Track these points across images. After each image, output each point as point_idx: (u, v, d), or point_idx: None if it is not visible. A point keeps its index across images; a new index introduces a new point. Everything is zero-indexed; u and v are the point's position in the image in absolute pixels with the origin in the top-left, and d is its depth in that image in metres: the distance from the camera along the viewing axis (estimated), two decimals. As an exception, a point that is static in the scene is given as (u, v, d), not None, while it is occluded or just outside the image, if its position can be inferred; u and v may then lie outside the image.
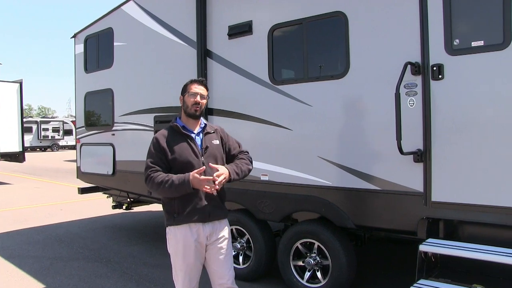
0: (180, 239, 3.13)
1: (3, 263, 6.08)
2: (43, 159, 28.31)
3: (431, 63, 3.59)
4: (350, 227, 4.23)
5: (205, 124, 3.32)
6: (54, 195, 12.54)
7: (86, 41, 7.48)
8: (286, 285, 4.69)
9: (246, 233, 5.06)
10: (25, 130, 18.37)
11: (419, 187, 3.70)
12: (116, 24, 6.82)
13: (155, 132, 6.05)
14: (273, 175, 4.71)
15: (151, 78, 6.21)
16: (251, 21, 4.91)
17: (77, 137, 7.82)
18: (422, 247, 3.54)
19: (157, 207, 8.93)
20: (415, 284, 3.43)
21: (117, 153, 6.81)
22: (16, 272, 5.70)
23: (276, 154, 4.68)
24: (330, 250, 4.31)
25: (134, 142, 6.50)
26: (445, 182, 3.56)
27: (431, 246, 3.53)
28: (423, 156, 3.64)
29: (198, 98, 3.20)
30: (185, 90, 3.27)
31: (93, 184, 7.71)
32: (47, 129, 38.85)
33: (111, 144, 6.89)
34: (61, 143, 40.21)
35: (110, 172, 6.89)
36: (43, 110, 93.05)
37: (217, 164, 3.17)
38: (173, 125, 3.24)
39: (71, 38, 7.88)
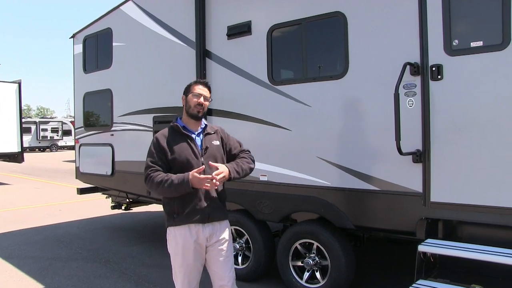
0: (179, 240, 3.12)
1: (2, 263, 6.08)
2: (42, 160, 28.28)
3: (430, 63, 3.59)
4: (349, 228, 4.23)
5: (206, 125, 3.31)
6: (53, 196, 12.53)
7: (85, 42, 7.47)
8: (285, 285, 4.69)
9: (245, 233, 5.06)
10: (24, 130, 18.33)
11: (418, 187, 3.70)
12: (115, 25, 6.82)
13: (154, 132, 6.05)
14: (272, 175, 4.71)
15: (150, 79, 6.20)
16: (250, 21, 4.91)
17: (76, 137, 7.81)
18: (421, 248, 3.54)
19: (156, 207, 8.92)
20: (414, 284, 3.43)
21: (116, 153, 6.81)
22: (15, 272, 5.69)
23: (275, 154, 4.68)
24: (329, 250, 4.31)
25: (133, 143, 6.49)
26: (444, 182, 3.56)
27: (430, 247, 3.53)
28: (422, 156, 3.64)
29: (201, 99, 3.20)
30: (188, 90, 3.27)
31: (92, 184, 7.71)
32: (46, 130, 38.79)
33: (110, 145, 6.88)
34: (60, 143, 40.16)
35: (109, 172, 6.88)
36: (42, 110, 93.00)
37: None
38: (173, 125, 3.24)
39: (69, 38, 7.87)
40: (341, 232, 4.39)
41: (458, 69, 3.47)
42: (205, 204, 3.12)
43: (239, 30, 4.99)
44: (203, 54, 5.35)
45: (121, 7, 6.67)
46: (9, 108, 16.05)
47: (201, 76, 5.31)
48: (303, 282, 4.53)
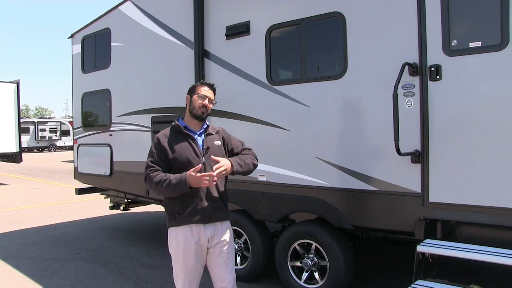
0: (180, 241, 3.11)
1: (1, 264, 6.06)
2: (40, 160, 28.25)
3: (429, 63, 3.59)
4: (347, 228, 4.23)
5: (208, 125, 3.31)
6: (51, 196, 12.51)
7: (83, 42, 7.47)
8: (284, 285, 4.68)
9: (244, 233, 5.06)
10: (22, 130, 18.32)
11: (416, 188, 3.70)
12: (113, 25, 6.81)
13: (153, 132, 6.05)
14: (270, 175, 4.71)
15: (148, 79, 6.20)
16: (249, 21, 4.91)
17: (75, 137, 7.81)
18: (420, 248, 3.54)
19: (154, 207, 8.92)
20: (412, 285, 3.43)
21: (114, 153, 6.80)
22: (14, 273, 5.68)
23: (273, 154, 4.67)
24: (328, 251, 4.31)
25: (131, 143, 6.49)
26: (443, 183, 3.56)
27: (429, 247, 3.53)
28: (420, 157, 3.64)
29: (206, 101, 3.20)
30: (193, 90, 3.27)
31: (91, 184, 7.70)
32: (44, 130, 38.76)
33: (109, 145, 6.88)
34: (59, 143, 40.14)
35: (108, 172, 6.87)
36: (40, 110, 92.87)
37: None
38: (175, 125, 3.24)
39: (68, 38, 7.86)
40: (339, 233, 4.38)
41: (457, 70, 3.47)
42: (207, 204, 3.11)
43: (238, 30, 4.99)
44: (201, 54, 5.35)
45: (119, 7, 6.66)
46: (8, 108, 16.02)
47: (200, 76, 5.31)
48: (301, 283, 4.53)
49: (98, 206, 10.18)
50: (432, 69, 3.56)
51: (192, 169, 2.92)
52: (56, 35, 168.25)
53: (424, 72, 3.61)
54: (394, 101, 3.55)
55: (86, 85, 7.42)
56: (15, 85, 16.25)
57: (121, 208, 7.71)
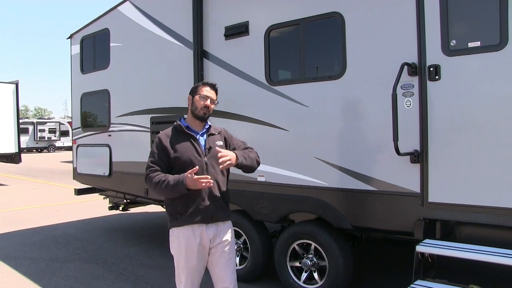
0: (182, 241, 3.10)
1: (0, 264, 6.07)
2: (39, 160, 28.23)
3: (428, 63, 3.59)
4: (347, 228, 4.23)
5: (210, 126, 3.31)
6: (50, 196, 12.50)
7: (82, 42, 7.46)
8: (283, 286, 4.68)
9: (243, 234, 5.05)
10: (21, 131, 18.30)
11: (416, 188, 3.70)
12: (112, 25, 6.80)
13: (152, 133, 6.05)
14: (269, 176, 4.70)
15: (147, 79, 6.19)
16: (248, 21, 4.90)
17: (74, 138, 7.80)
18: (419, 248, 3.54)
19: (153, 208, 8.91)
20: (412, 285, 3.42)
21: (113, 154, 6.80)
22: (12, 273, 5.67)
23: (272, 155, 4.67)
24: (327, 251, 4.31)
25: (130, 143, 6.48)
26: (442, 183, 3.56)
27: (428, 247, 3.53)
28: (420, 157, 3.64)
29: (208, 102, 3.20)
30: (195, 91, 3.26)
31: (90, 185, 7.69)
32: (43, 130, 38.72)
33: (108, 145, 6.87)
34: (58, 144, 40.08)
35: (107, 173, 6.87)
36: (40, 111, 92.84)
37: (220, 166, 3.16)
38: (176, 125, 3.24)
39: (67, 39, 7.85)
40: (338, 233, 4.38)
41: (456, 70, 3.47)
42: (208, 204, 3.10)
43: (237, 31, 4.99)
44: (200, 55, 5.35)
45: (118, 8, 6.66)
46: (7, 109, 16.00)
47: (199, 76, 5.31)
48: (301, 283, 4.53)
49: (97, 206, 10.17)
50: (431, 69, 3.56)
51: (189, 171, 2.91)
52: (55, 35, 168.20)
53: (423, 72, 3.61)
54: (393, 101, 3.55)
55: (85, 86, 7.41)
56: (14, 85, 16.23)
57: (120, 208, 7.70)
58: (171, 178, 2.98)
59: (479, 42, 3.37)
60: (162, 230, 8.07)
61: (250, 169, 3.26)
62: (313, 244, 4.45)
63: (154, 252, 6.52)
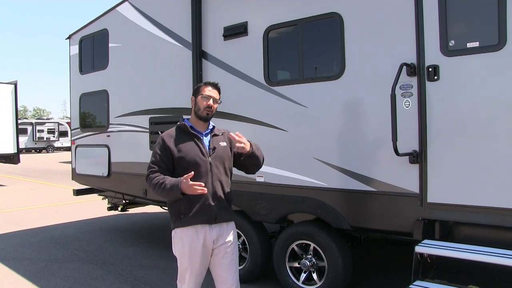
0: (186, 242, 3.08)
1: (-3, 265, 6.05)
2: (38, 161, 28.19)
3: (426, 64, 3.59)
4: (346, 229, 4.23)
5: (213, 126, 3.31)
6: (49, 197, 12.49)
7: (81, 42, 7.46)
8: (282, 286, 4.68)
9: (242, 234, 5.05)
10: (20, 131, 18.26)
11: (415, 188, 3.69)
12: (111, 25, 6.80)
13: (151, 133, 6.04)
14: (268, 176, 4.70)
15: (146, 80, 6.19)
16: (247, 22, 4.90)
17: (72, 138, 7.79)
18: (418, 248, 3.53)
19: (152, 208, 8.91)
20: (411, 285, 3.42)
21: (112, 154, 6.79)
22: (11, 274, 5.66)
23: (271, 155, 4.65)
24: (326, 251, 4.31)
25: (129, 144, 6.48)
26: (441, 183, 3.56)
27: (427, 247, 3.52)
28: (418, 157, 3.63)
29: (211, 101, 3.19)
30: (198, 91, 3.26)
31: (88, 185, 7.69)
32: (42, 131, 38.69)
33: (106, 146, 6.87)
34: (56, 144, 40.05)
35: (105, 173, 6.86)
36: (38, 111, 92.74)
37: (224, 167, 3.19)
38: (180, 125, 3.22)
39: (66, 39, 7.85)
40: (337, 233, 4.38)
41: (454, 70, 3.47)
42: (212, 204, 3.09)
43: (236, 31, 4.99)
44: (199, 55, 5.34)
45: (117, 8, 6.66)
46: (5, 109, 15.98)
47: (198, 77, 5.30)
48: (300, 283, 4.52)
49: (96, 207, 10.16)
50: (430, 69, 3.56)
51: (185, 176, 2.89)
52: (54, 35, 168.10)
53: (422, 72, 3.61)
54: (392, 102, 3.54)
55: (84, 86, 7.41)
56: (12, 86, 16.21)
57: (119, 209, 7.70)
58: (168, 181, 2.97)
59: (477, 43, 3.37)
60: (161, 230, 8.06)
61: (257, 162, 3.27)
62: (312, 245, 4.44)
63: (153, 253, 6.52)
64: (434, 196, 3.59)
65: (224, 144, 3.26)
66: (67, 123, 39.39)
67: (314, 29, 4.40)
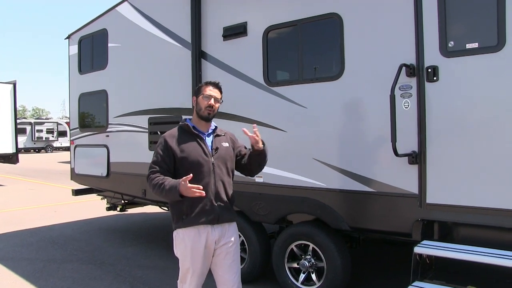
0: (188, 243, 3.07)
1: (-4, 265, 6.04)
2: (37, 161, 28.17)
3: (426, 65, 3.59)
4: (344, 229, 4.23)
5: (216, 127, 3.30)
6: (47, 197, 12.47)
7: (80, 42, 7.45)
8: (281, 287, 4.67)
9: (241, 235, 5.03)
10: (19, 131, 18.25)
11: (414, 189, 3.69)
12: (110, 25, 6.80)
13: (150, 133, 6.04)
14: (268, 177, 4.70)
15: (145, 80, 6.18)
16: (246, 22, 4.90)
17: (71, 138, 7.78)
18: (417, 249, 3.53)
19: (151, 209, 8.90)
20: (409, 286, 3.42)
21: (111, 154, 6.78)
22: (9, 274, 5.65)
23: (270, 156, 4.61)
24: (325, 252, 4.30)
25: (128, 144, 6.47)
26: (440, 184, 3.56)
27: (426, 248, 3.52)
28: (418, 158, 3.63)
29: (212, 101, 3.18)
30: (199, 91, 3.25)
31: (87, 185, 7.68)
32: (41, 131, 38.66)
33: (105, 146, 6.86)
34: (55, 144, 40.01)
35: (104, 173, 6.85)
36: (37, 111, 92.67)
37: (226, 166, 3.19)
38: (183, 125, 3.22)
39: (65, 39, 7.84)
40: (336, 234, 4.38)
41: (453, 71, 3.47)
42: (215, 205, 3.08)
43: (235, 31, 4.98)
44: (198, 55, 5.34)
45: (116, 8, 6.65)
46: (4, 109, 15.96)
47: (197, 77, 5.30)
48: (299, 284, 4.52)
49: (94, 207, 10.15)
50: (429, 70, 3.56)
51: (183, 178, 2.87)
52: (54, 35, 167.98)
53: (421, 73, 3.61)
54: (391, 102, 3.55)
55: (83, 86, 7.40)
56: (11, 85, 16.19)
57: (118, 209, 7.69)
58: (168, 182, 2.95)
59: (477, 44, 3.37)
60: (160, 231, 8.06)
61: (263, 162, 3.29)
62: (311, 245, 4.44)
63: (152, 253, 6.51)
64: (433, 197, 3.59)
65: (226, 144, 3.26)
66: (66, 123, 39.37)
67: (313, 29, 4.40)
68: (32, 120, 40.56)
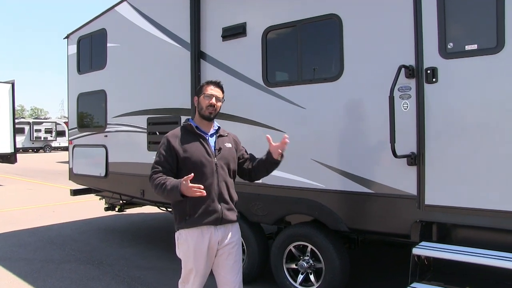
0: (191, 243, 3.06)
1: (-6, 265, 6.03)
2: (35, 161, 28.13)
3: (425, 66, 3.59)
4: (343, 230, 4.22)
5: (219, 127, 3.29)
6: (46, 197, 12.45)
7: (79, 42, 7.44)
8: (279, 288, 4.67)
9: (239, 235, 5.03)
10: (17, 131, 18.21)
11: (412, 190, 3.69)
12: (109, 25, 6.79)
13: (148, 134, 6.03)
14: (266, 177, 4.67)
15: (144, 80, 6.18)
16: (245, 23, 4.90)
17: (70, 138, 7.78)
18: (415, 250, 3.53)
19: (150, 209, 8.89)
20: (408, 287, 3.42)
21: (109, 154, 6.77)
22: (6, 275, 5.64)
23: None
24: (323, 253, 4.30)
25: (127, 144, 6.46)
26: (439, 185, 3.56)
27: (424, 250, 3.52)
28: (416, 159, 3.63)
29: (213, 100, 3.17)
30: (200, 91, 3.25)
31: (86, 185, 7.67)
32: (39, 130, 38.60)
33: (104, 146, 6.85)
34: (54, 144, 39.96)
35: (103, 173, 6.84)
36: (36, 111, 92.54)
37: (229, 167, 3.17)
38: (186, 125, 3.20)
39: (64, 38, 7.84)
40: (335, 235, 4.38)
41: (453, 72, 3.47)
42: (218, 205, 3.07)
43: (234, 32, 4.98)
44: (197, 56, 5.34)
45: (115, 8, 6.64)
46: (2, 109, 15.93)
47: (196, 77, 5.30)
48: (297, 285, 4.52)
49: (93, 207, 10.13)
50: (429, 71, 3.56)
51: (185, 177, 2.84)
52: (53, 35, 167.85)
53: (420, 74, 3.61)
54: (390, 104, 3.54)
55: (82, 86, 7.40)
56: (10, 85, 16.16)
57: (116, 209, 7.68)
58: (169, 182, 2.93)
59: (476, 45, 3.37)
60: (158, 231, 8.05)
61: (271, 171, 3.31)
62: (310, 246, 4.44)
63: (150, 253, 6.50)
64: (431, 198, 3.59)
65: (229, 145, 3.25)
66: (64, 122, 39.31)
67: (313, 30, 4.39)
68: (31, 120, 40.49)
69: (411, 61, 3.66)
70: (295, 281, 4.54)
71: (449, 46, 3.49)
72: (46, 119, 47.52)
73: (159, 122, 5.90)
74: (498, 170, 3.28)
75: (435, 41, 3.54)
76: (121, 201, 7.37)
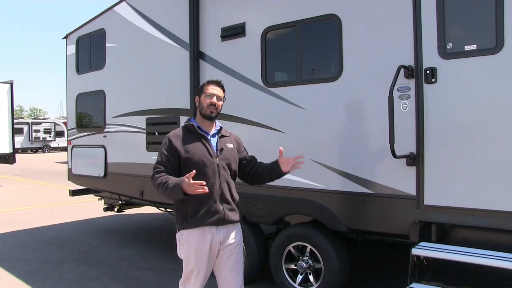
0: (192, 244, 3.04)
1: (-8, 266, 6.01)
2: (34, 161, 28.10)
3: (424, 66, 3.59)
4: (342, 231, 4.22)
5: (221, 127, 3.28)
6: (44, 197, 12.43)
7: (78, 42, 7.43)
8: (278, 288, 4.67)
9: (238, 236, 5.03)
10: (16, 131, 18.17)
11: (411, 190, 3.69)
12: (108, 25, 6.78)
13: (147, 134, 6.02)
14: (265, 178, 4.68)
15: (143, 80, 6.17)
16: (244, 23, 4.89)
17: (69, 138, 7.76)
18: (415, 251, 3.53)
19: (149, 209, 8.87)
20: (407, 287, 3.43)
21: (108, 155, 6.77)
22: (5, 275, 5.62)
23: (268, 156, 4.62)
24: (323, 253, 4.30)
25: (126, 144, 6.45)
26: (438, 185, 3.56)
27: (423, 250, 3.52)
28: (416, 159, 3.63)
29: (214, 99, 3.17)
30: (201, 90, 3.24)
31: (85, 186, 7.66)
32: (38, 131, 38.55)
33: (103, 146, 6.84)
34: (53, 144, 39.91)
35: (102, 174, 6.83)
36: (35, 111, 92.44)
37: (230, 167, 3.17)
38: (188, 125, 3.19)
39: (62, 38, 7.83)
40: (334, 235, 4.37)
41: (452, 72, 3.48)
42: (220, 205, 3.07)
43: (233, 32, 4.98)
44: (196, 56, 5.33)
45: (114, 8, 6.64)
46: (1, 109, 15.90)
47: (195, 77, 5.29)
48: (296, 285, 4.51)
49: (92, 207, 10.12)
50: (428, 72, 3.56)
51: (187, 175, 2.82)
52: (52, 35, 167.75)
53: (419, 75, 3.61)
54: (390, 104, 3.54)
55: (81, 86, 7.39)
56: (8, 85, 16.13)
57: (115, 209, 7.67)
58: (171, 181, 2.92)
59: (475, 45, 3.37)
60: (157, 232, 8.04)
61: (274, 179, 3.40)
62: (309, 247, 4.43)
63: (149, 254, 6.50)
64: (431, 198, 3.59)
65: (231, 146, 3.25)
66: (63, 123, 39.24)
67: (312, 30, 4.39)
68: (30, 120, 40.44)
69: (410, 61, 3.66)
70: (294, 282, 4.54)
71: (448, 47, 3.49)
72: (45, 119, 47.51)
73: (158, 123, 5.89)
74: (497, 170, 3.28)
75: (434, 41, 3.54)
76: (120, 202, 7.35)
